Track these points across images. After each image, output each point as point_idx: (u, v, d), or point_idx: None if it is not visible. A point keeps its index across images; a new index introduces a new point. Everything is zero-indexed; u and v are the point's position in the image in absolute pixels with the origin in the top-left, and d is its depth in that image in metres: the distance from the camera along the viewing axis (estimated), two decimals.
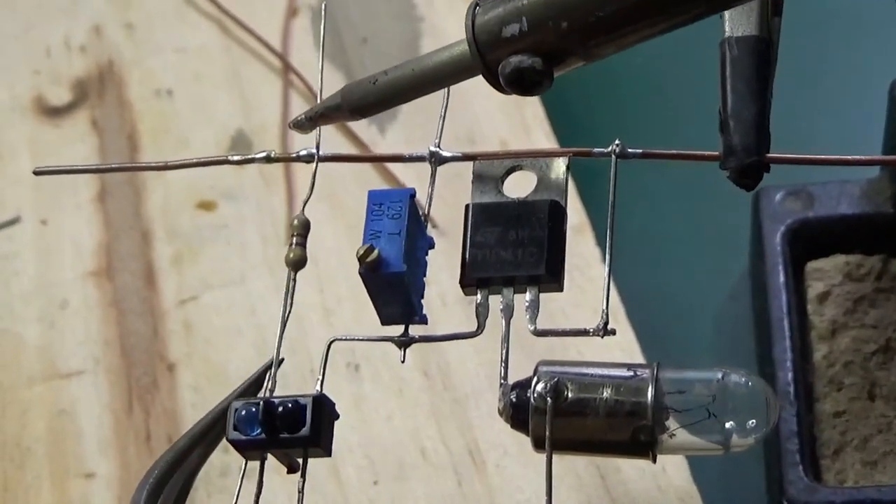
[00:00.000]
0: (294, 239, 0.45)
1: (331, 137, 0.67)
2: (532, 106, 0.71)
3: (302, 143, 0.72)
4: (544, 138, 0.70)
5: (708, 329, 0.66)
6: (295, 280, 0.45)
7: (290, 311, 0.44)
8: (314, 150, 0.47)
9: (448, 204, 0.56)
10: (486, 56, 0.40)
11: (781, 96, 0.43)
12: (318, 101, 0.46)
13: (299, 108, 0.75)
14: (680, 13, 0.38)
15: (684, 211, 0.69)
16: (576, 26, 0.38)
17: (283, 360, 0.45)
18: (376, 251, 0.42)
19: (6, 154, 0.75)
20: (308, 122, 0.46)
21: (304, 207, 0.46)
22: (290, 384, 0.52)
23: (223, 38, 0.79)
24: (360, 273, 0.42)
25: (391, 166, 0.68)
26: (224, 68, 0.78)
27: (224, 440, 0.45)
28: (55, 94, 0.78)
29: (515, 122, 0.72)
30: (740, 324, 0.64)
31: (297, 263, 0.45)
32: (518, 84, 0.39)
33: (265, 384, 0.45)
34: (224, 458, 0.46)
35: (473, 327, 0.43)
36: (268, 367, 0.45)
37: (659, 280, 0.66)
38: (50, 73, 0.79)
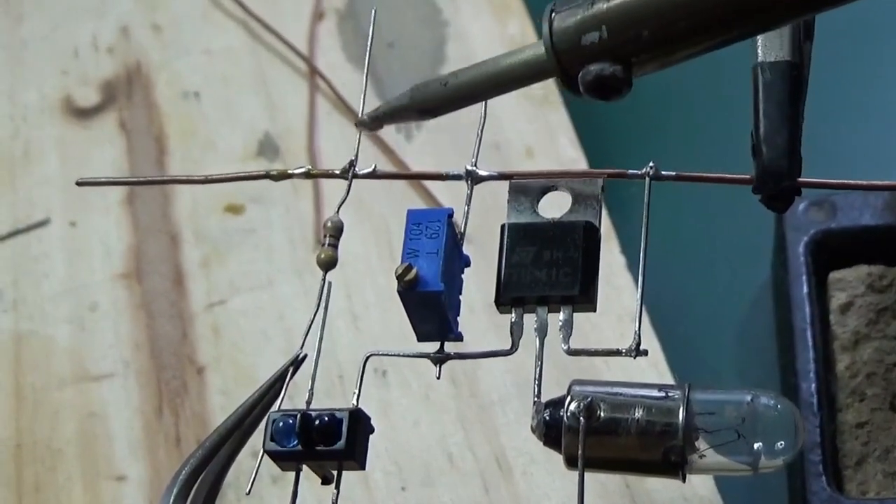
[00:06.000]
0: (326, 240, 0.46)
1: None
2: (557, 112, 0.72)
3: (329, 149, 0.74)
4: (569, 144, 0.71)
5: (730, 339, 0.66)
6: (328, 282, 0.45)
7: (325, 313, 0.45)
8: (353, 166, 0.48)
9: (476, 212, 0.57)
10: (564, 62, 0.40)
11: (808, 104, 0.44)
12: (358, 121, 0.47)
13: (325, 111, 0.76)
14: (762, 20, 0.38)
15: (707, 221, 0.69)
16: (658, 34, 0.39)
17: (305, 356, 0.46)
18: (414, 270, 0.43)
19: (35, 155, 0.76)
20: (373, 122, 0.46)
21: (338, 209, 0.47)
22: (318, 389, 0.52)
23: (250, 41, 0.80)
24: (398, 291, 0.43)
25: None
26: (250, 71, 0.78)
27: (251, 438, 0.46)
28: (83, 95, 0.78)
29: (540, 128, 0.72)
30: (763, 334, 0.65)
31: (328, 264, 0.46)
32: (598, 91, 0.40)
33: (286, 381, 0.46)
34: (255, 463, 0.47)
35: (500, 335, 0.44)
36: (290, 364, 0.46)
37: (681, 290, 0.67)
38: (78, 74, 0.79)
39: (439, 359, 0.44)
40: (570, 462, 0.43)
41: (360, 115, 0.48)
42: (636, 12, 0.39)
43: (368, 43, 0.49)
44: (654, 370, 0.61)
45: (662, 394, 0.43)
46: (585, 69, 0.40)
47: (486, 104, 0.47)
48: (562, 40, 0.40)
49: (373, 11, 0.50)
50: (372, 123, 0.46)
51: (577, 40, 0.40)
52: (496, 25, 0.77)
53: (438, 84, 0.44)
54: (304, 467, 0.44)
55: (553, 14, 0.40)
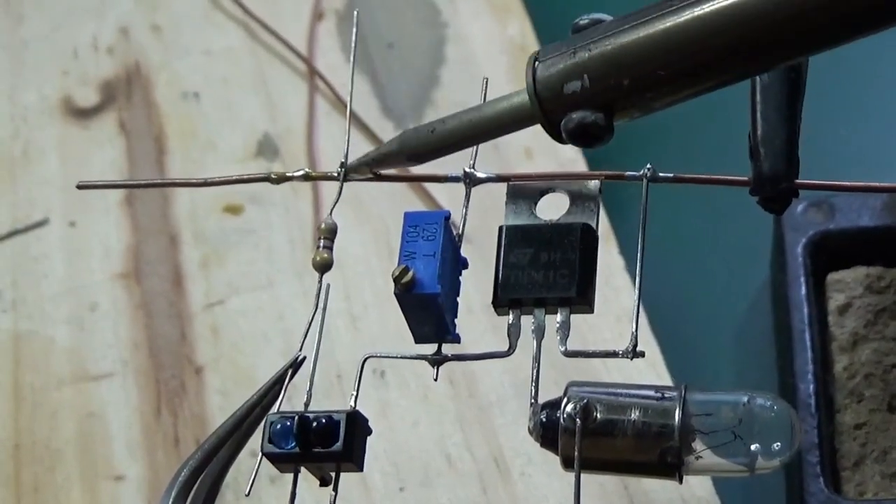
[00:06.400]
0: (321, 242, 0.46)
1: (359, 144, 0.67)
2: None
3: (329, 150, 0.74)
4: (569, 147, 0.70)
5: (729, 340, 0.66)
6: (324, 284, 0.46)
7: (323, 315, 0.45)
8: (344, 167, 0.48)
9: (474, 213, 0.57)
10: (548, 110, 0.41)
11: (806, 104, 0.44)
12: (348, 113, 0.48)
13: (325, 111, 0.76)
14: (738, 69, 0.39)
15: (706, 221, 0.70)
16: (637, 83, 0.39)
17: (304, 358, 0.46)
18: (411, 272, 0.43)
19: (35, 155, 0.76)
20: (364, 167, 0.47)
21: (331, 211, 0.47)
22: (316, 389, 0.53)
23: (249, 42, 0.80)
24: (395, 294, 0.43)
25: None
26: (250, 71, 0.78)
27: (250, 439, 0.46)
28: (83, 95, 0.78)
29: (539, 128, 0.72)
30: (761, 335, 0.65)
31: (324, 267, 0.46)
32: (581, 138, 0.41)
33: (285, 383, 0.46)
34: (253, 463, 0.47)
35: (498, 335, 0.44)
36: (289, 367, 0.46)
37: (680, 290, 0.67)
38: (78, 75, 0.79)
39: (437, 360, 0.45)
40: (567, 463, 0.43)
41: (347, 110, 0.49)
42: (617, 62, 0.40)
43: (352, 45, 0.50)
44: (652, 371, 0.61)
45: (659, 395, 0.43)
46: (568, 117, 0.40)
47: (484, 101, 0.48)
48: (545, 88, 0.41)
49: (355, 13, 0.50)
50: (364, 168, 0.47)
51: (559, 88, 0.41)
52: (496, 26, 0.77)
53: (426, 131, 0.45)
54: (303, 469, 0.44)
55: (536, 63, 0.41)
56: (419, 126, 0.45)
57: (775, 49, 0.38)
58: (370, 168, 0.47)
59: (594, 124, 0.40)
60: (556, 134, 0.41)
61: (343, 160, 0.48)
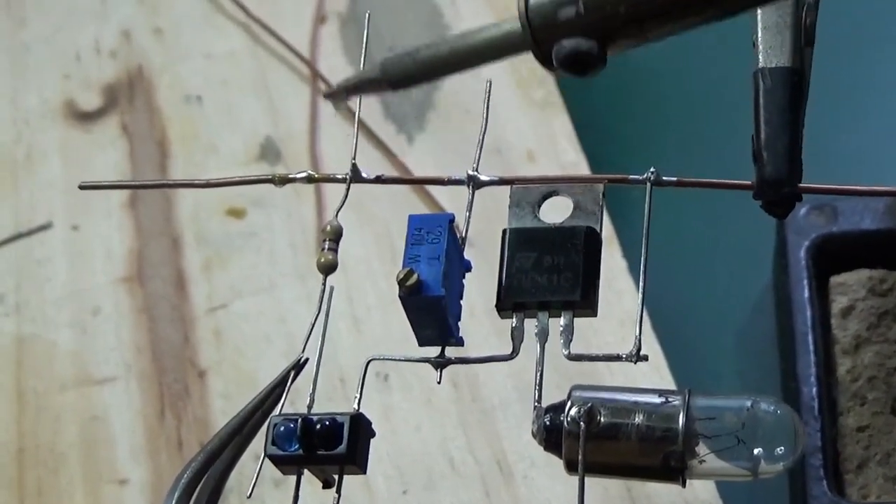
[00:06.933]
0: (326, 244, 0.46)
1: (361, 147, 0.67)
2: (559, 117, 0.72)
3: (331, 153, 0.74)
4: (571, 150, 0.70)
5: (731, 343, 0.66)
6: (327, 286, 0.46)
7: (326, 318, 0.45)
8: (352, 171, 0.48)
9: (477, 216, 0.57)
10: (539, 38, 0.40)
11: (809, 108, 0.44)
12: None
13: (327, 114, 0.76)
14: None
15: (709, 224, 0.70)
16: (634, 10, 0.38)
17: (306, 360, 0.46)
18: (415, 275, 0.43)
19: (37, 159, 0.76)
20: (344, 94, 0.45)
21: (337, 214, 0.47)
22: (319, 393, 0.53)
23: (251, 44, 0.80)
24: (399, 296, 0.43)
25: None
26: (252, 74, 0.78)
27: (252, 442, 0.46)
28: (85, 98, 0.79)
29: (542, 133, 0.72)
30: (764, 338, 0.65)
31: (328, 268, 0.46)
32: (573, 66, 0.39)
33: (287, 385, 0.46)
34: (256, 468, 0.48)
35: (501, 339, 0.45)
36: (291, 369, 0.46)
37: (683, 293, 0.67)
38: (80, 78, 0.80)
39: (440, 363, 0.45)
40: (571, 467, 0.43)
41: (356, 115, 0.48)
42: None
43: (363, 47, 0.49)
44: (655, 374, 0.61)
45: (662, 399, 0.43)
46: (559, 44, 0.39)
47: (487, 108, 0.48)
48: (537, 15, 0.39)
49: (366, 16, 0.50)
50: (343, 95, 0.45)
51: (552, 16, 0.39)
52: None
53: (410, 56, 0.43)
54: (306, 471, 0.44)
55: None
56: (401, 52, 0.43)
57: None
58: (349, 94, 0.45)
59: (588, 53, 0.39)
60: (545, 62, 0.40)
61: (352, 162, 0.48)
